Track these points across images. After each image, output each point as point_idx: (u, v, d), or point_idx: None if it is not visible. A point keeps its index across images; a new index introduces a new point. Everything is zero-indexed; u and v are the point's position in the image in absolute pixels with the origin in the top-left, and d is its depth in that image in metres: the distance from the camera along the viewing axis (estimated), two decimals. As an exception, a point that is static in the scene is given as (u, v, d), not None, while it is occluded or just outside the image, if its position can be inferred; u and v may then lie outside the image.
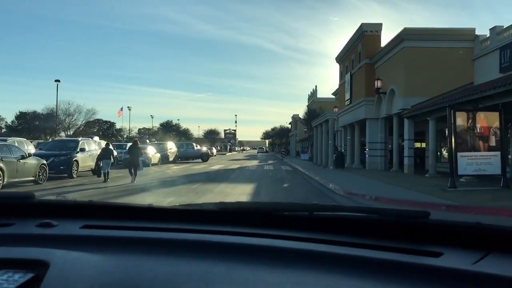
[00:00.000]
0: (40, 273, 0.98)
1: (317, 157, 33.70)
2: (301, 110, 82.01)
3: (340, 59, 33.96)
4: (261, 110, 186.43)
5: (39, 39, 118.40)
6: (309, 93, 64.96)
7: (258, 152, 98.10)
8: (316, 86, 58.58)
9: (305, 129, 64.77)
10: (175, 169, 26.57)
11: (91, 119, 68.90)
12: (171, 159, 35.24)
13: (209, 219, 1.55)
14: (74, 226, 1.44)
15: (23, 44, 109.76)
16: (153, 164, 30.23)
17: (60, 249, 1.16)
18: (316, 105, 54.43)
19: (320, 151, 32.09)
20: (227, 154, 78.05)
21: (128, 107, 74.12)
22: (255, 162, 40.34)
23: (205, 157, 40.60)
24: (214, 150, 65.93)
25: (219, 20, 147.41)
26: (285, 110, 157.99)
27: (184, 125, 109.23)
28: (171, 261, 1.17)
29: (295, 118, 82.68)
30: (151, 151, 30.23)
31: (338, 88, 36.98)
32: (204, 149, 44.24)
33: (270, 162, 43.04)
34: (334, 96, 45.45)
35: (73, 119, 67.71)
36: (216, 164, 35.12)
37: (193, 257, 1.19)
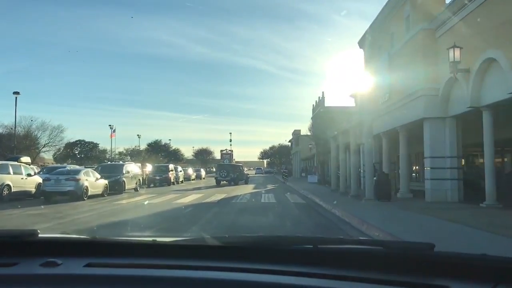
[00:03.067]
0: None
1: (337, 180, 23.30)
2: (302, 127, 71.63)
3: (366, 40, 23.96)
4: (258, 130, 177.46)
5: (33, 63, 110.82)
6: (314, 103, 54.91)
7: (256, 173, 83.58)
8: (323, 93, 48.42)
9: (310, 145, 54.65)
10: (114, 206, 16.21)
11: (57, 137, 58.43)
12: (130, 186, 24.86)
13: (213, 255, 1.55)
14: (78, 265, 1.44)
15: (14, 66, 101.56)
16: (93, 196, 19.88)
17: None
18: (324, 115, 44.31)
19: (343, 172, 21.74)
20: (219, 176, 67.44)
21: (109, 125, 63.84)
22: (249, 188, 29.96)
23: (247, 180, 38.19)
24: (203, 172, 55.49)
25: (213, 42, 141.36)
26: (283, 130, 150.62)
27: (177, 146, 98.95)
28: None
29: (296, 134, 72.47)
30: (89, 178, 19.87)
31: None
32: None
33: (269, 187, 32.68)
34: (352, 101, 35.41)
35: (38, 137, 57.57)
36: (193, 192, 24.75)
37: None
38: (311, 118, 57.07)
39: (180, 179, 39.03)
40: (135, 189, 25.60)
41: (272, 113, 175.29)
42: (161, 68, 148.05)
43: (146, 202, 18.22)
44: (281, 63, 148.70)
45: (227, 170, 35.08)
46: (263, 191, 25.66)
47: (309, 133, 65.16)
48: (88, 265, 1.43)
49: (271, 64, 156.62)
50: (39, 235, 1.61)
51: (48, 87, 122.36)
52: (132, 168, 25.98)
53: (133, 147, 76.45)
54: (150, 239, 1.78)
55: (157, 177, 33.35)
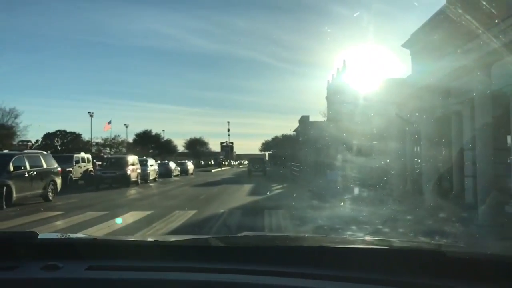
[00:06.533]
0: None
1: (408, 181, 12.13)
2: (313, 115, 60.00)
3: None
4: (259, 123, 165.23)
5: (22, 56, 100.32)
6: (329, 79, 43.56)
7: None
8: (344, 62, 36.76)
9: (327, 133, 43.41)
10: None
11: (8, 122, 47.44)
12: (32, 192, 13.99)
13: (217, 256, 1.49)
14: (79, 268, 1.39)
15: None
16: None
17: None
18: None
19: (402, 169, 10.64)
20: (213, 171, 56.09)
21: (89, 112, 52.57)
22: (242, 193, 18.90)
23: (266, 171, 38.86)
24: (190, 166, 44.33)
25: (212, 34, 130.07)
26: (285, 123, 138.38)
27: (174, 139, 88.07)
28: None
29: (304, 120, 60.88)
30: None
31: (430, 22, 15.48)
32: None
33: (275, 189, 21.61)
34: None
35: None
36: (141, 206, 13.80)
37: None
38: (326, 98, 45.92)
39: (151, 177, 27.86)
40: (44, 198, 14.61)
41: (273, 106, 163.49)
42: (160, 61, 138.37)
43: None
44: (282, 55, 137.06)
45: (259, 163, 40.52)
46: (266, 204, 14.50)
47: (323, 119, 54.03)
48: (89, 268, 1.39)
49: (272, 56, 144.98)
50: (39, 237, 1.55)
51: (45, 81, 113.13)
52: (38, 161, 14.81)
53: (113, 137, 64.99)
54: (152, 239, 1.78)
55: (107, 175, 22.28)
